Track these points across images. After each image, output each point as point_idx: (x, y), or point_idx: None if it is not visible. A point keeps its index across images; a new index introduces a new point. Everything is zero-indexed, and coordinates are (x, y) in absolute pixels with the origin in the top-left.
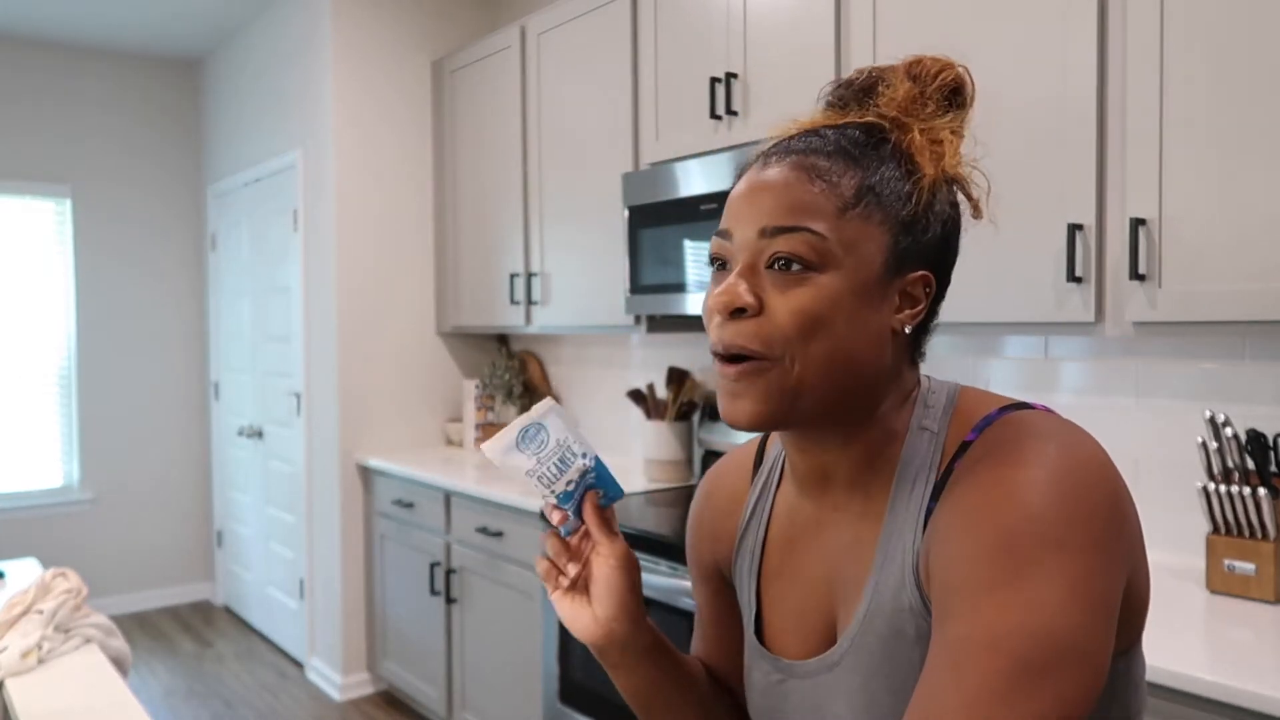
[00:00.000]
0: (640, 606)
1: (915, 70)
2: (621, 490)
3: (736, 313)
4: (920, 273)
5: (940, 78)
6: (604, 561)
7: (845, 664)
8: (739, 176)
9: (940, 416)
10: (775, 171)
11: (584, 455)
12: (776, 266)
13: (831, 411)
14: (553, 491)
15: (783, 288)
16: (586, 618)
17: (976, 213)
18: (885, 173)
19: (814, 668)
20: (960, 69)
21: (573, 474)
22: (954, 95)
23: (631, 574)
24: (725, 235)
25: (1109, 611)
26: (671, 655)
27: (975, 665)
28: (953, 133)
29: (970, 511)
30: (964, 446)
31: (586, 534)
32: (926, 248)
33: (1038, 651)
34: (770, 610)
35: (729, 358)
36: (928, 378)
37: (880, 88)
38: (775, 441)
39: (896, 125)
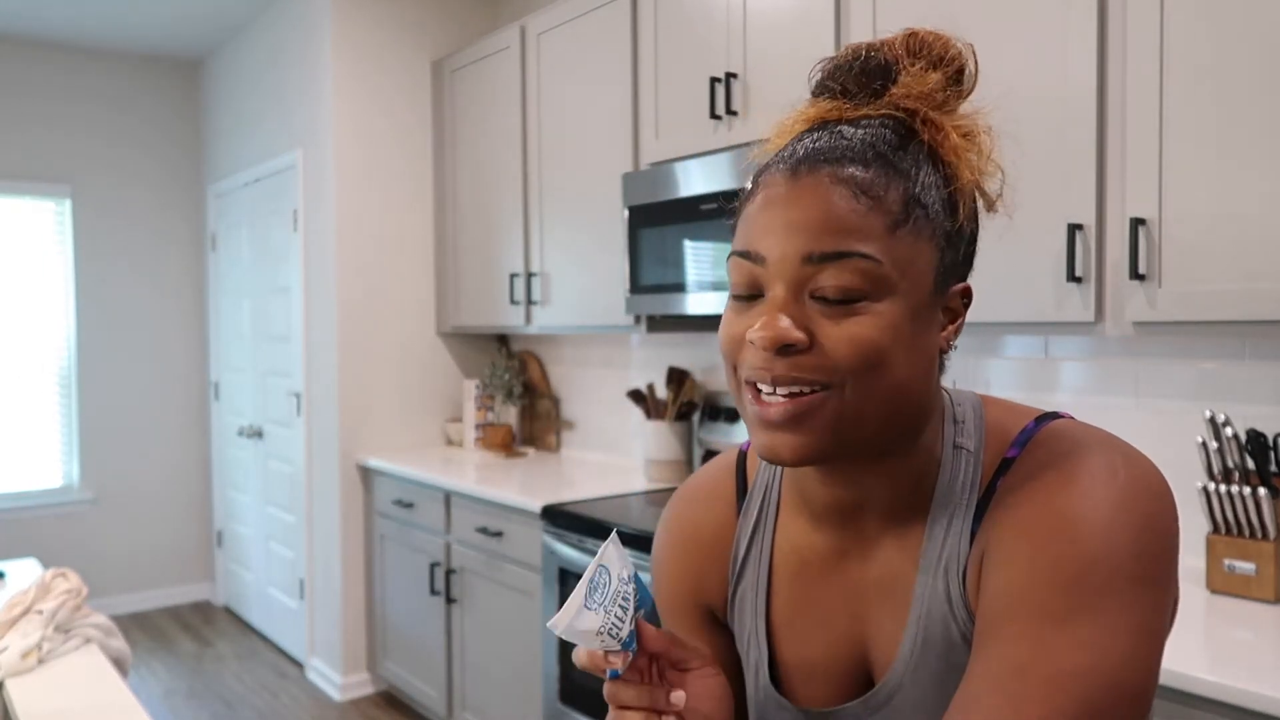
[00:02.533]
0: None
1: (916, 47)
2: (650, 596)
3: (785, 348)
4: (961, 285)
5: (954, 62)
6: (704, 676)
7: (896, 703)
8: (755, 185)
9: (974, 433)
10: (810, 185)
11: (630, 579)
12: (825, 295)
13: (883, 442)
14: (618, 640)
15: (835, 318)
16: None
17: (991, 208)
18: (924, 180)
19: (853, 713)
20: (964, 47)
21: (631, 609)
22: (959, 78)
23: (732, 674)
24: (754, 258)
25: (1164, 643)
26: None
27: (1036, 700)
28: (981, 127)
29: (1033, 532)
30: (1006, 463)
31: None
32: (965, 258)
33: (1105, 697)
34: (787, 655)
35: (773, 387)
36: (946, 390)
37: (895, 73)
38: (760, 465)
39: (925, 122)
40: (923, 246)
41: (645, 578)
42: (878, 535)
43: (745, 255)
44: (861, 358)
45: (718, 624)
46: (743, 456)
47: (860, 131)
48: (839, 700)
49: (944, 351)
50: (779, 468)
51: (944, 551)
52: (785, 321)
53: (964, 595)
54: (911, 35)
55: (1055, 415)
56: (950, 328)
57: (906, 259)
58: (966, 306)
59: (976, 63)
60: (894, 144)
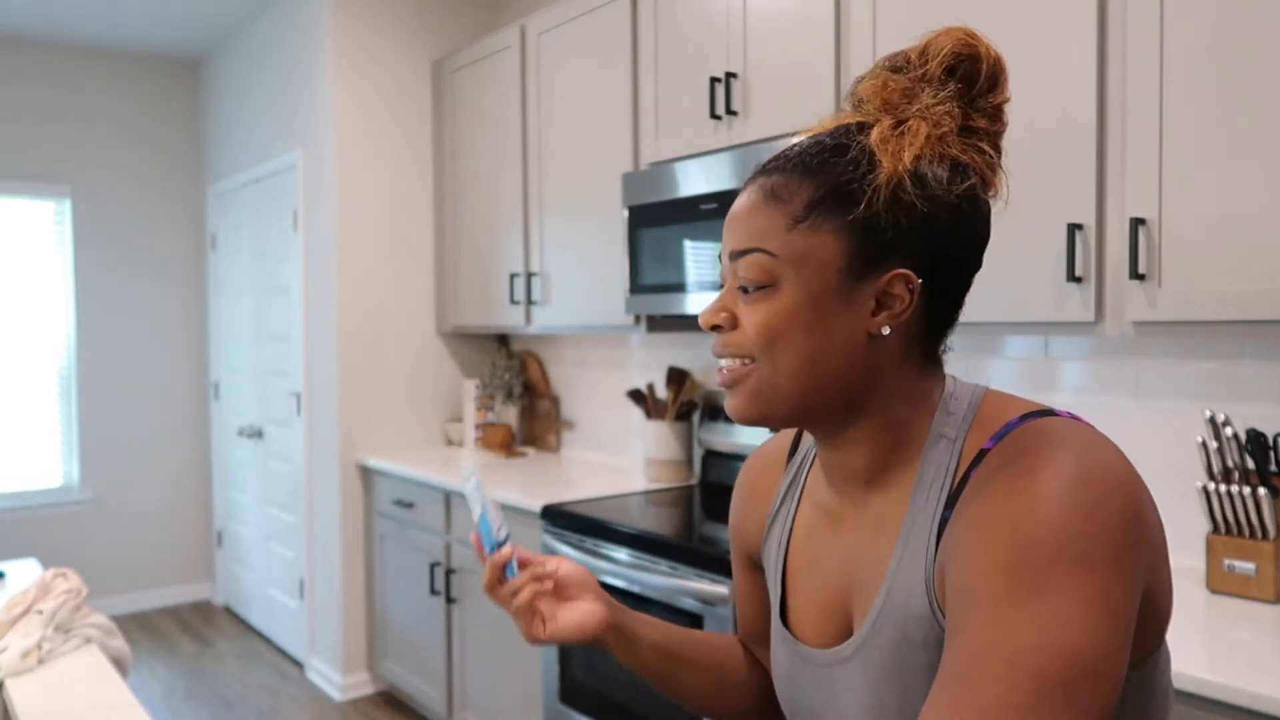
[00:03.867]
0: (600, 590)
1: (925, 50)
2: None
3: (716, 328)
4: (895, 272)
5: (939, 56)
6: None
7: (855, 662)
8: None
9: (959, 423)
10: (744, 195)
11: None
12: (743, 286)
13: (810, 410)
14: (494, 530)
15: (750, 303)
16: (584, 606)
17: (985, 188)
18: (845, 175)
19: (828, 659)
20: (955, 39)
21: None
22: (953, 72)
23: (577, 567)
24: (720, 257)
25: (1126, 625)
26: (668, 626)
27: (993, 680)
28: (923, 120)
29: (986, 523)
30: (981, 454)
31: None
32: (899, 244)
33: (1056, 669)
34: (794, 596)
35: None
36: (954, 380)
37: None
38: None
39: (862, 125)
40: (824, 239)
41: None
42: (866, 503)
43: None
44: (762, 337)
45: (759, 566)
46: None
47: (809, 142)
48: (824, 645)
49: (874, 335)
50: None
51: (918, 532)
52: (715, 306)
53: (928, 577)
54: (931, 41)
55: (1050, 412)
56: (885, 314)
57: (802, 253)
58: (913, 293)
59: (990, 56)
60: (829, 148)
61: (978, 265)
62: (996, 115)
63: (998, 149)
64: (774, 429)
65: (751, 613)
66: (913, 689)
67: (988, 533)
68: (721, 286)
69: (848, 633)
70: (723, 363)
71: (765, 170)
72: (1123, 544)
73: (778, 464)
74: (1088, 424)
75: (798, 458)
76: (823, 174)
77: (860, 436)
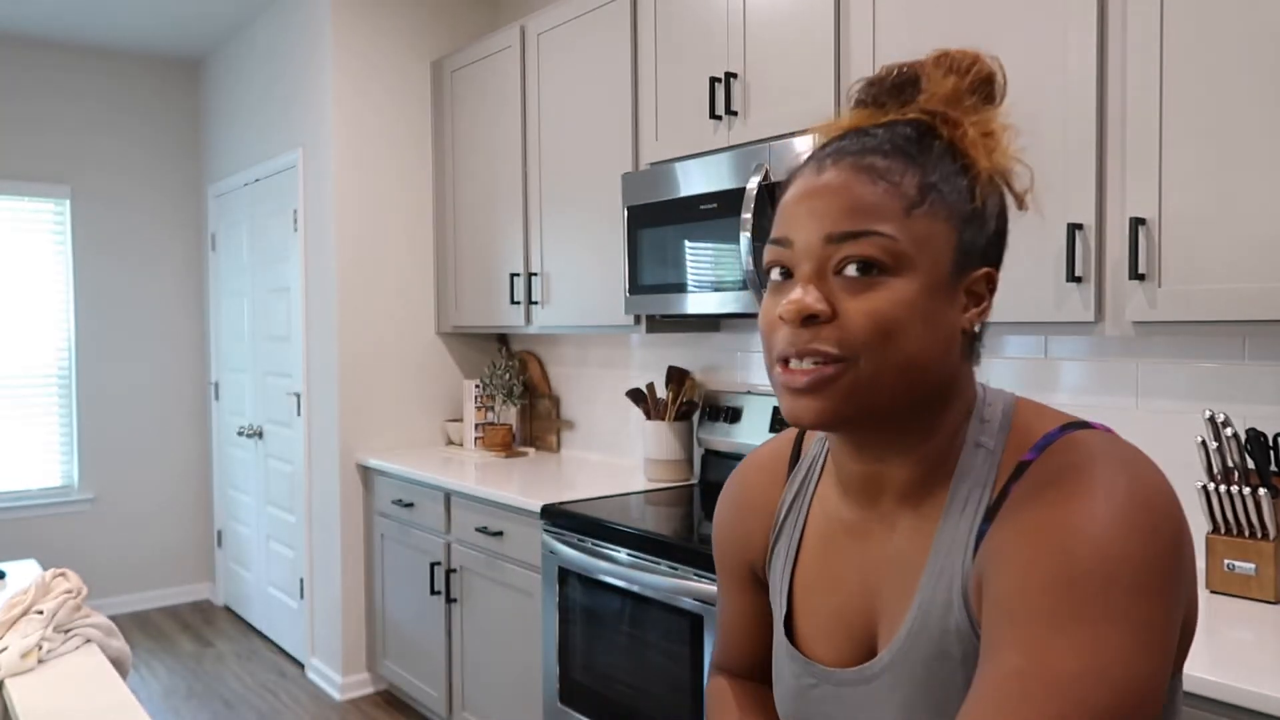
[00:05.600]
0: None
1: (944, 63)
2: None
3: (809, 320)
4: (984, 270)
5: (974, 71)
6: None
7: (885, 679)
8: (788, 181)
9: (996, 432)
10: (833, 174)
11: None
12: (846, 271)
13: (900, 414)
14: None
15: (855, 292)
16: None
17: (1021, 204)
18: (943, 168)
19: (850, 678)
20: (990, 60)
21: None
22: (985, 87)
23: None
24: (784, 243)
25: (1169, 654)
26: None
27: (1038, 702)
28: (1002, 125)
29: (1033, 538)
30: (1021, 467)
31: None
32: (988, 243)
33: (1102, 700)
34: (804, 613)
35: (799, 359)
36: (983, 387)
37: (922, 83)
38: (814, 439)
39: (944, 121)
40: (939, 227)
41: None
42: (896, 515)
43: (777, 241)
44: (877, 329)
45: (760, 581)
46: (803, 431)
47: (884, 131)
48: (842, 664)
49: (966, 332)
50: (828, 442)
51: (953, 544)
52: (811, 295)
53: (965, 589)
54: (942, 55)
55: (1085, 425)
56: (974, 310)
57: (922, 238)
58: (992, 292)
59: (1004, 74)
60: (913, 139)
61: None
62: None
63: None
64: (847, 433)
65: (748, 636)
66: (947, 705)
67: (1035, 547)
68: (784, 276)
69: (869, 649)
70: (800, 364)
71: (852, 152)
72: (1174, 571)
73: (777, 474)
74: (1123, 439)
75: (802, 466)
76: (926, 160)
77: (916, 446)
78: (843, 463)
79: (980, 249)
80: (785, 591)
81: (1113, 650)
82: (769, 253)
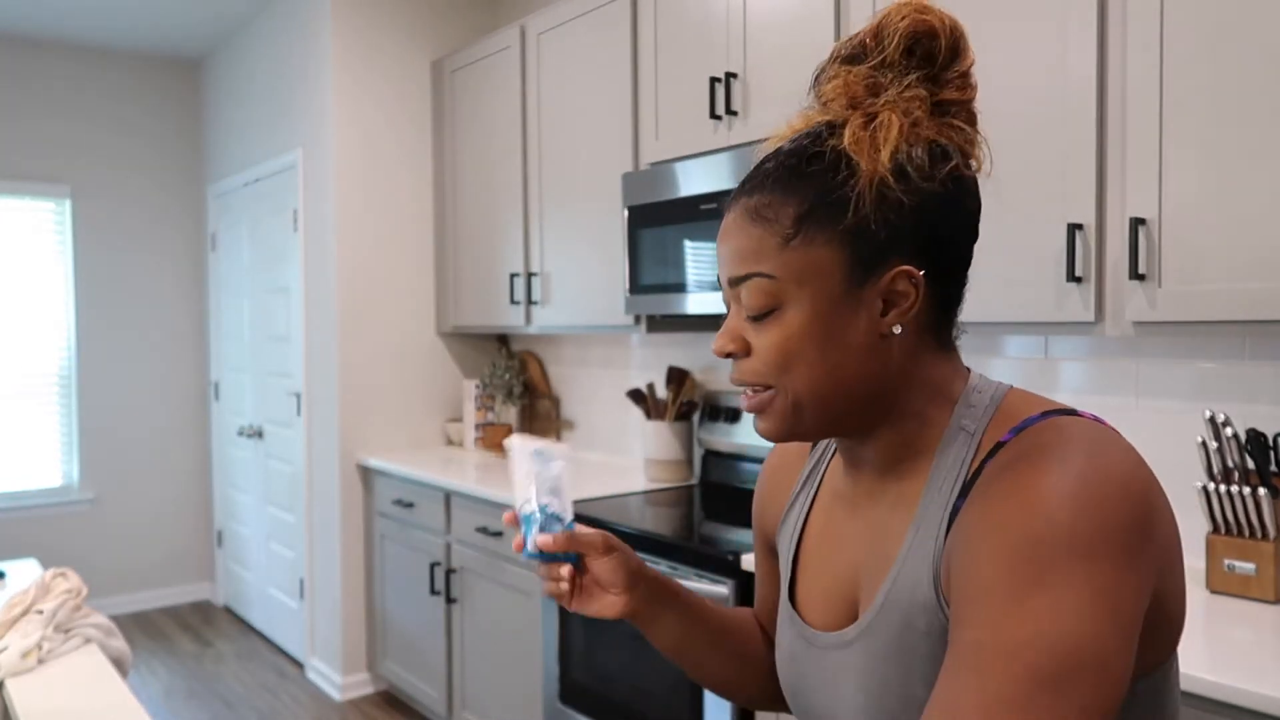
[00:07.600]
0: (640, 565)
1: (879, 31)
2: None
3: (729, 355)
4: (896, 269)
5: (895, 37)
6: (600, 560)
7: (857, 646)
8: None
9: (980, 417)
10: (730, 218)
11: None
12: (748, 313)
13: (841, 420)
14: (541, 508)
15: (758, 329)
16: (608, 599)
17: (966, 162)
18: (826, 185)
19: (830, 642)
20: (910, 19)
21: (555, 505)
22: (913, 52)
23: (619, 547)
24: (719, 281)
25: (1131, 623)
26: (700, 608)
27: (994, 672)
28: (894, 109)
29: (992, 516)
30: (998, 447)
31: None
32: (895, 242)
33: (1056, 662)
34: (804, 580)
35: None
36: (979, 375)
37: (823, 77)
38: None
39: (830, 128)
40: (818, 252)
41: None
42: (879, 491)
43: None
44: (777, 360)
45: (775, 551)
46: None
47: (785, 153)
48: (829, 630)
49: (887, 335)
50: None
51: (929, 519)
52: (724, 336)
53: (935, 565)
54: (883, 19)
55: (1071, 411)
56: (895, 312)
57: (800, 267)
58: (917, 286)
59: (957, 29)
60: (804, 158)
61: (974, 237)
62: (964, 83)
63: (972, 120)
64: (813, 443)
65: (769, 596)
66: (912, 676)
67: (993, 526)
68: (725, 305)
69: (853, 618)
70: (745, 389)
71: (745, 191)
72: (1128, 543)
73: (801, 451)
74: (1110, 426)
75: (820, 445)
76: (803, 186)
77: (880, 429)
78: (840, 442)
79: (886, 251)
80: (790, 558)
81: (1060, 614)
82: None
